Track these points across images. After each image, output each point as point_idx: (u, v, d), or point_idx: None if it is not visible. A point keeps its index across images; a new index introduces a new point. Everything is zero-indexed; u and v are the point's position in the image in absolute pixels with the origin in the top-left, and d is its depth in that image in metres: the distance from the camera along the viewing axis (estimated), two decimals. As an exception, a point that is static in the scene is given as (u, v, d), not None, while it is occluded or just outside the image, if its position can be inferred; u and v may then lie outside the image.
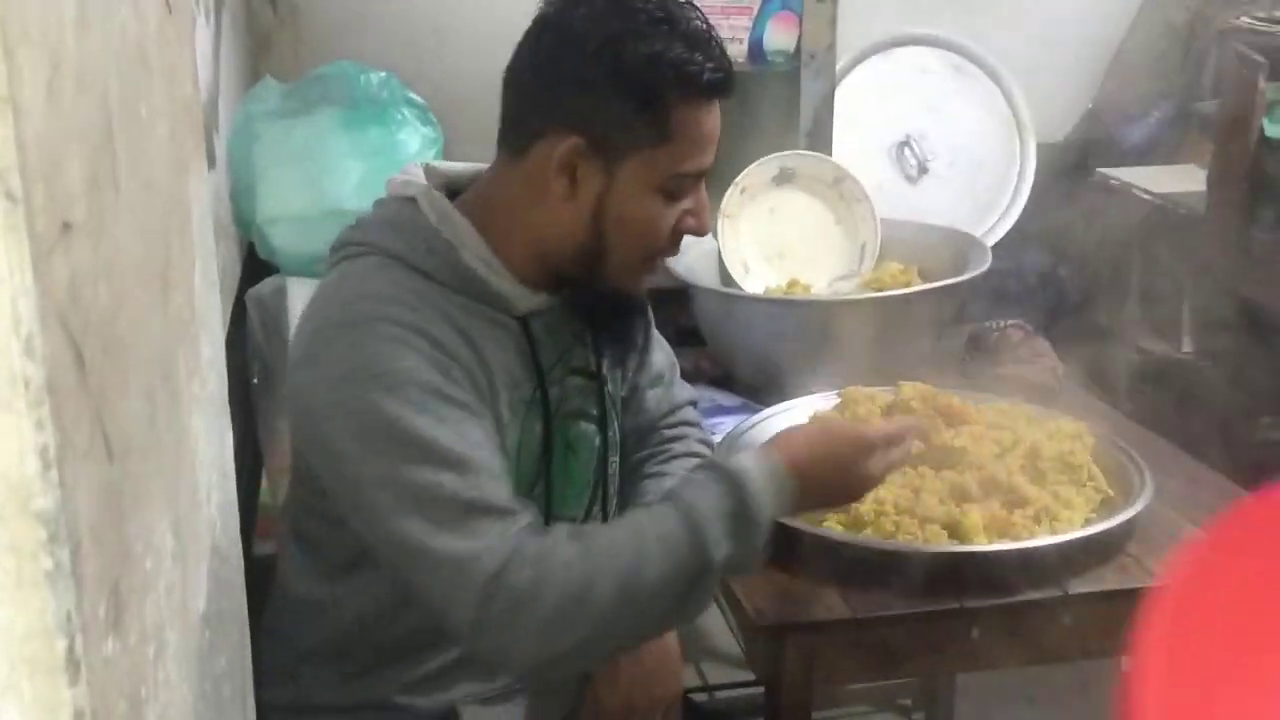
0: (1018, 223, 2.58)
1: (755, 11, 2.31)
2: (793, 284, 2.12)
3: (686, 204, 1.30)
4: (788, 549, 1.43)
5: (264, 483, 2.13)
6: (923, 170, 2.58)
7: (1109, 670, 1.42)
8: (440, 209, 1.31)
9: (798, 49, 2.32)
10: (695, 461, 1.47)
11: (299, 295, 2.01)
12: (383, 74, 2.14)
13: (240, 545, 1.06)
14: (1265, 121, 2.29)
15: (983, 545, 1.42)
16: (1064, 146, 2.79)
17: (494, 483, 1.20)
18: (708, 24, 1.28)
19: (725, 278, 2.13)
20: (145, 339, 0.72)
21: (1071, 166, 2.75)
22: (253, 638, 1.16)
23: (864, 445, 1.29)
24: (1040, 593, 1.41)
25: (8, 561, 0.53)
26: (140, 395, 0.69)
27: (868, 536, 1.46)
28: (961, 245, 2.10)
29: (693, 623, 1.31)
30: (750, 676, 2.41)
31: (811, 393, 1.78)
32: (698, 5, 1.30)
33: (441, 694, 1.37)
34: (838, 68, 2.42)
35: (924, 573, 1.40)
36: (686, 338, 1.94)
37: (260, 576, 1.47)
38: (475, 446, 1.20)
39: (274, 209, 2.02)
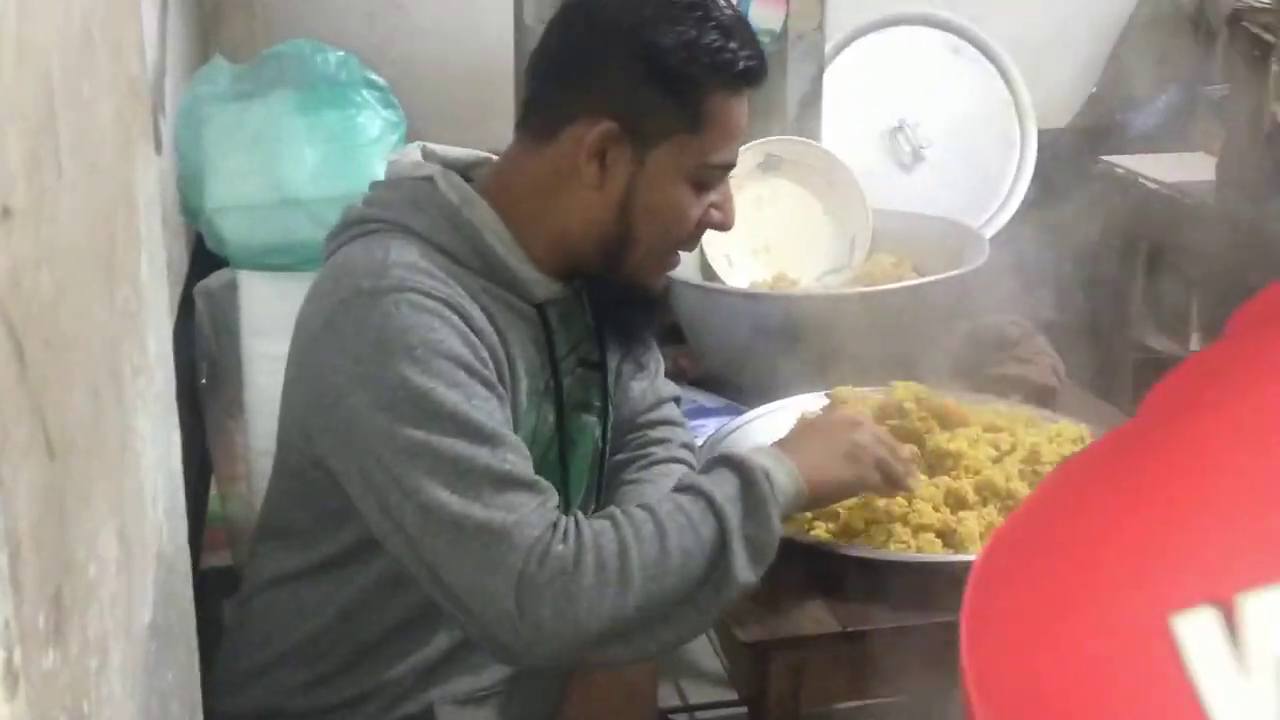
0: (1017, 213, 2.59)
1: (739, -12, 2.32)
2: (779, 278, 2.13)
3: (713, 197, 1.37)
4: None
5: (213, 490, 2.13)
6: (917, 157, 2.59)
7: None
8: (461, 190, 1.35)
9: (785, 28, 2.33)
10: (678, 467, 1.49)
11: (251, 290, 2.02)
12: (341, 54, 2.14)
13: (189, 554, 1.06)
14: (1278, 107, 2.31)
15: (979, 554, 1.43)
16: (1066, 132, 2.81)
17: (524, 461, 1.25)
18: (738, 12, 1.35)
19: (707, 271, 2.13)
20: (89, 332, 0.72)
21: (1074, 154, 2.77)
22: (201, 654, 1.16)
23: (845, 418, 1.43)
24: (1040, 604, 1.42)
25: (-58, 566, 0.53)
26: (84, 391, 0.70)
27: (858, 545, 1.46)
28: (958, 237, 2.11)
29: (716, 619, 1.31)
30: (733, 696, 2.41)
31: (798, 393, 1.79)
32: None
33: (420, 693, 1.38)
34: (827, 48, 2.43)
35: (918, 584, 1.41)
36: (666, 335, 1.95)
37: (208, 592, 1.47)
38: (503, 425, 1.25)
39: (224, 197, 2.02)
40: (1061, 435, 1.62)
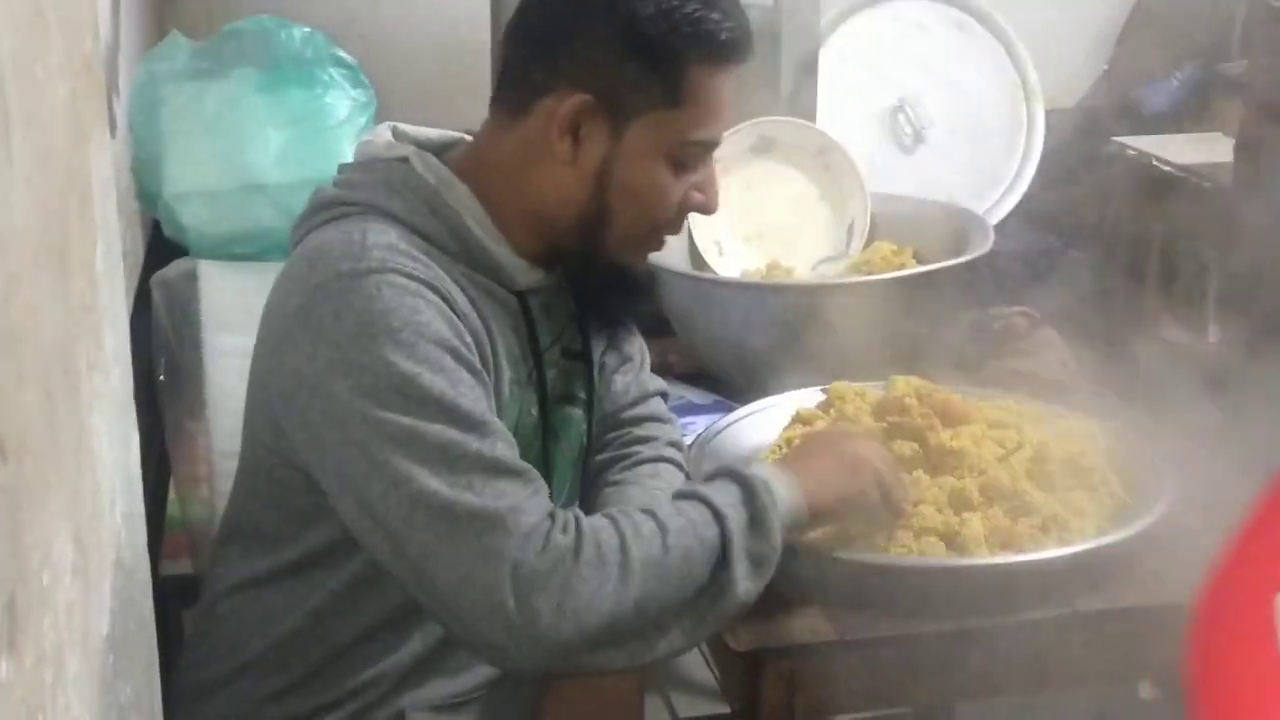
0: (1024, 198, 2.60)
1: (729, -41, 2.32)
2: (772, 267, 2.13)
3: (695, 177, 1.38)
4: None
5: (171, 493, 2.13)
6: (919, 139, 2.60)
7: (1124, 698, 1.44)
8: (438, 172, 1.36)
9: (777, 2, 2.33)
10: (664, 467, 1.50)
11: (212, 280, 2.02)
12: (307, 29, 2.14)
13: (148, 561, 1.06)
14: (1299, 84, 2.32)
15: (984, 558, 1.44)
16: (1076, 113, 2.82)
17: (512, 450, 1.26)
18: None
19: (697, 260, 2.14)
20: (42, 327, 0.72)
21: (1084, 135, 2.78)
22: (161, 665, 1.16)
23: (840, 430, 1.46)
24: (1048, 611, 1.43)
25: (-109, 573, 0.53)
26: (36, 389, 0.70)
27: (856, 550, 1.47)
28: (962, 223, 2.12)
29: (711, 634, 1.32)
30: (725, 709, 2.42)
31: (793, 389, 1.80)
32: None
33: (393, 699, 1.39)
34: (822, 23, 2.43)
35: (919, 590, 1.41)
36: (653, 328, 1.95)
37: (168, 600, 1.47)
38: (490, 412, 1.26)
39: (183, 183, 2.02)
40: (1070, 432, 1.62)
